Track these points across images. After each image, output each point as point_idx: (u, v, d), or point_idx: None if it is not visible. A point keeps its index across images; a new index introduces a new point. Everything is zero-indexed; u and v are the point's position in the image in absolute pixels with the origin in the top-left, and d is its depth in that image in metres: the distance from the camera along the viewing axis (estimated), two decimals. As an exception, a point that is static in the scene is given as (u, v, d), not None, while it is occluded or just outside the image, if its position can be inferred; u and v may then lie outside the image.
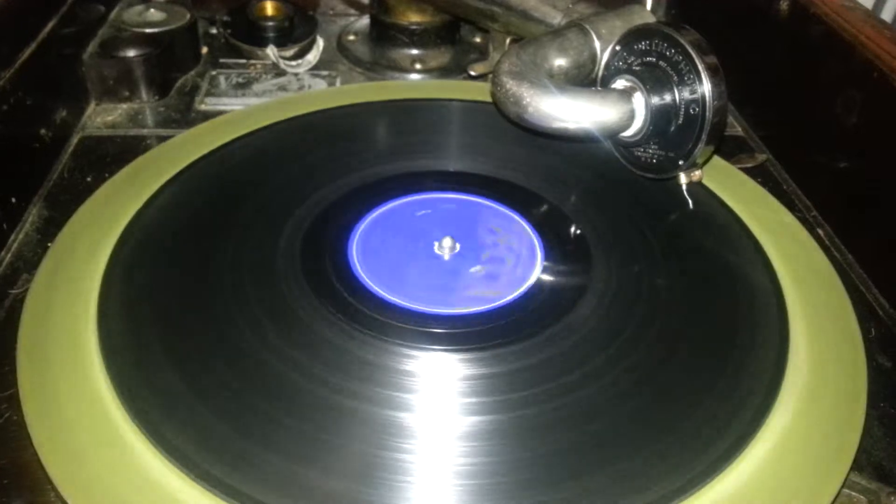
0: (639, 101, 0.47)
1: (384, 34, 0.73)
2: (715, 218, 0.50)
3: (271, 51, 0.69)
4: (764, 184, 0.56)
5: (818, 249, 0.49)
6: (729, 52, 0.49)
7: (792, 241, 0.49)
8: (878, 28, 0.53)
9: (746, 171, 0.57)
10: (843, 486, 0.35)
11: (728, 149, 0.61)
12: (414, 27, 0.72)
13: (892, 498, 0.37)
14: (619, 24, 0.50)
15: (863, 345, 0.42)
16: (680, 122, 0.46)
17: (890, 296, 0.49)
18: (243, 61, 0.71)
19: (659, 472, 0.34)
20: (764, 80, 0.65)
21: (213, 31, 0.74)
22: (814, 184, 0.57)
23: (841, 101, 0.54)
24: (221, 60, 0.71)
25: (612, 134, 0.48)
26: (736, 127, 0.66)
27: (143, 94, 0.64)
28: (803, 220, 0.54)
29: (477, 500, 0.33)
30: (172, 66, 0.67)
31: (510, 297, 0.44)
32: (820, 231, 0.54)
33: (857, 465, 0.37)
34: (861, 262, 0.51)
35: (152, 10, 0.69)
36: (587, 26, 0.50)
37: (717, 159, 0.55)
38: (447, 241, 0.47)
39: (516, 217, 0.50)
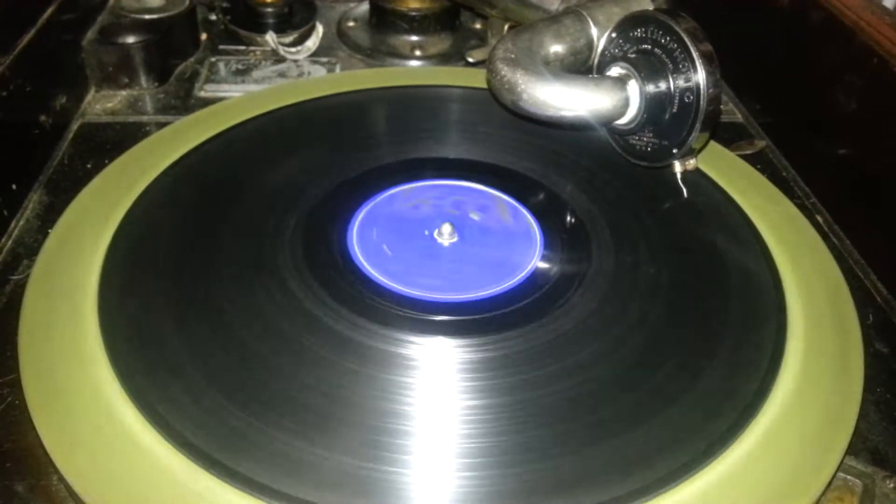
0: (633, 88, 0.47)
1: (384, 20, 0.73)
2: (713, 205, 0.50)
3: (270, 37, 0.69)
4: (763, 170, 0.56)
5: (817, 236, 0.49)
6: (729, 39, 0.49)
7: (790, 227, 0.49)
8: (879, 14, 0.53)
9: (746, 157, 0.57)
10: (838, 470, 0.36)
11: (727, 135, 0.61)
12: (413, 13, 0.72)
13: (888, 482, 0.37)
14: (616, 11, 0.50)
15: (860, 330, 0.42)
16: (674, 110, 0.46)
17: (888, 282, 0.49)
18: (243, 48, 0.71)
19: (656, 453, 0.35)
20: (764, 67, 0.65)
21: (213, 17, 0.74)
22: (813, 170, 0.57)
23: (841, 88, 0.54)
24: (221, 47, 0.71)
25: (607, 121, 0.48)
26: (735, 114, 0.66)
27: (143, 81, 0.64)
28: (802, 207, 0.54)
29: (475, 481, 0.34)
30: (172, 53, 0.66)
31: (519, 277, 0.44)
32: (819, 217, 0.54)
33: (853, 450, 0.37)
34: (859, 248, 0.52)
35: (151, -5, 0.69)
36: (584, 13, 0.50)
37: (716, 146, 0.55)
38: (446, 228, 0.47)
39: (516, 204, 0.50)
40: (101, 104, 0.62)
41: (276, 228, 0.46)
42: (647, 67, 0.47)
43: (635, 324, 0.42)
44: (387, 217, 0.48)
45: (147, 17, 0.66)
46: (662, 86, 0.46)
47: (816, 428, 0.37)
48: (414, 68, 0.70)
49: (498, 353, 0.39)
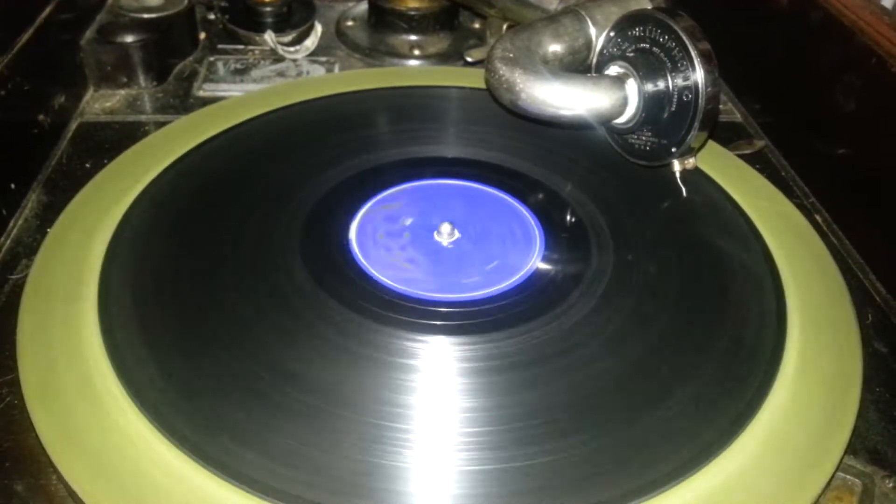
0: (632, 87, 0.47)
1: (382, 20, 0.73)
2: (712, 204, 0.50)
3: (269, 36, 0.69)
4: (762, 170, 0.56)
5: (816, 235, 0.49)
6: (728, 38, 0.49)
7: (789, 227, 0.49)
8: (878, 14, 0.53)
9: (745, 157, 0.57)
10: (838, 470, 0.36)
11: (726, 135, 0.61)
12: (412, 13, 0.72)
13: (887, 481, 0.37)
14: (614, 10, 0.50)
15: (859, 330, 0.42)
16: (673, 108, 0.46)
17: (887, 282, 0.49)
18: (241, 47, 0.71)
19: (655, 453, 0.35)
20: (763, 66, 0.65)
21: (211, 16, 0.74)
22: (812, 170, 0.57)
23: (840, 87, 0.54)
24: (219, 46, 0.71)
25: (606, 120, 0.48)
26: (734, 113, 0.66)
27: (142, 80, 0.63)
28: (801, 207, 0.54)
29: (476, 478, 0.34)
30: (170, 52, 0.66)
31: (519, 276, 0.44)
32: (818, 217, 0.54)
33: (852, 449, 0.37)
34: (858, 248, 0.52)
35: (150, -5, 0.69)
36: (583, 12, 0.50)
37: (715, 146, 0.55)
38: (445, 227, 0.47)
39: (515, 203, 0.50)
40: (100, 103, 0.62)
41: (276, 228, 0.46)
42: (646, 66, 0.47)
43: (634, 323, 0.42)
44: (386, 216, 0.48)
45: (146, 16, 0.66)
46: (661, 84, 0.46)
47: (815, 427, 0.37)
48: (413, 68, 0.70)
49: (498, 353, 0.39)
